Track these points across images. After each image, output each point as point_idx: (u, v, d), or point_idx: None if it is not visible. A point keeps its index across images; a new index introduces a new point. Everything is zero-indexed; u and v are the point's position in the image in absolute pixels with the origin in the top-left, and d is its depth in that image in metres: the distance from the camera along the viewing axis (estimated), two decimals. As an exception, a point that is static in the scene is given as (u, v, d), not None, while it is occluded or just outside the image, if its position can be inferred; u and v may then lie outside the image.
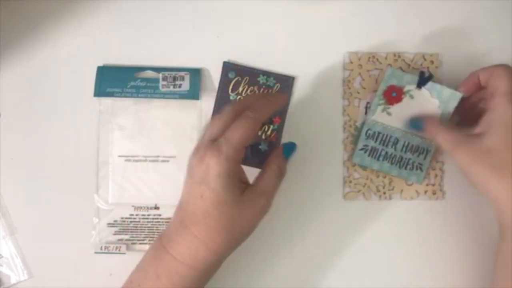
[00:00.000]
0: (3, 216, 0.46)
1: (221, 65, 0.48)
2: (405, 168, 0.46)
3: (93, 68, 0.47)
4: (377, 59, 0.48)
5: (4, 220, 0.46)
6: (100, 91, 0.47)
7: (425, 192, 0.47)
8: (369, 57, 0.48)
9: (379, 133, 0.46)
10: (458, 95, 0.44)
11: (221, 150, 0.36)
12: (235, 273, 0.46)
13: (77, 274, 0.46)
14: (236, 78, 0.48)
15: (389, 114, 0.45)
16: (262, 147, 0.47)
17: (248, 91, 0.48)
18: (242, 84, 0.48)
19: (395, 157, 0.46)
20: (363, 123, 0.47)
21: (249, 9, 0.49)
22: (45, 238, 0.46)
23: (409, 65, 0.48)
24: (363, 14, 0.49)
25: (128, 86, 0.47)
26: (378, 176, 0.47)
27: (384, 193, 0.47)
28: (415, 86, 0.45)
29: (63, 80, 0.48)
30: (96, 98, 0.47)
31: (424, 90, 0.45)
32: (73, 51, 0.48)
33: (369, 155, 0.46)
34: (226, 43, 0.48)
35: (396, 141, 0.46)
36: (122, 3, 0.48)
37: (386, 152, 0.46)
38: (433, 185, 0.47)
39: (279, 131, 0.47)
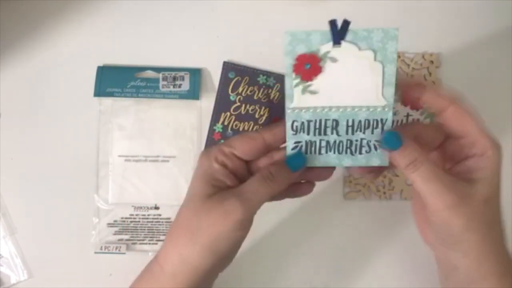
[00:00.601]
0: (3, 216, 0.46)
1: (221, 65, 0.48)
2: (360, 153, 0.35)
3: (93, 68, 0.47)
4: (377, 59, 0.48)
5: (4, 220, 0.46)
6: (100, 91, 0.47)
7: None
8: (369, 57, 0.48)
9: (309, 121, 0.34)
10: (394, 32, 0.34)
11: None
12: (235, 273, 0.46)
13: (77, 274, 0.46)
14: (236, 78, 0.48)
15: (313, 93, 0.34)
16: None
17: (248, 91, 0.48)
18: (242, 84, 0.48)
19: (342, 143, 0.35)
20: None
21: (249, 9, 0.49)
22: (45, 238, 0.46)
23: (409, 65, 0.48)
24: (363, 14, 0.49)
25: (128, 86, 0.47)
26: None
27: (384, 193, 0.47)
28: (331, 44, 0.33)
29: (63, 80, 0.48)
30: (96, 98, 0.47)
31: (346, 44, 0.34)
32: (73, 51, 0.48)
33: (307, 152, 0.35)
34: (226, 43, 0.48)
35: (336, 123, 0.35)
36: (122, 3, 0.48)
37: (328, 142, 0.35)
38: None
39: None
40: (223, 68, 0.48)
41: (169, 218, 0.47)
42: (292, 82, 0.34)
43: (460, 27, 0.49)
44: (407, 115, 0.47)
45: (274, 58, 0.48)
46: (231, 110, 0.47)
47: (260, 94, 0.48)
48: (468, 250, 0.34)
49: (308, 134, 0.35)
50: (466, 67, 0.48)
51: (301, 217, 0.47)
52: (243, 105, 0.48)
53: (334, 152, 0.35)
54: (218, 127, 0.47)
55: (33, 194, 0.47)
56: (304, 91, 0.34)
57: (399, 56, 0.48)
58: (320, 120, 0.35)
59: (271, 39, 0.48)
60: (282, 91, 0.47)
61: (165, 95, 0.47)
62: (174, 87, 0.47)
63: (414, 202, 0.39)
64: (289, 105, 0.34)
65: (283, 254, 0.46)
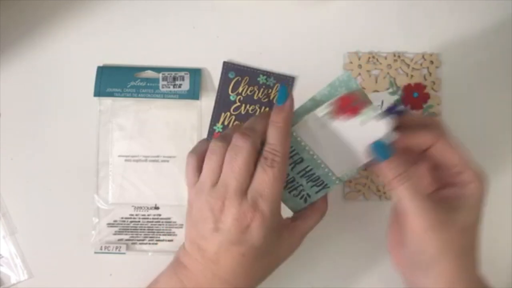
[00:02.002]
0: (3, 216, 0.46)
1: (221, 65, 0.48)
2: (289, 192, 0.38)
3: (93, 68, 0.47)
4: (377, 59, 0.48)
5: (4, 220, 0.46)
6: (100, 91, 0.47)
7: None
8: (369, 57, 0.48)
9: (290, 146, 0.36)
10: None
11: (261, 210, 0.33)
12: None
13: (77, 274, 0.46)
14: (236, 78, 0.48)
15: (323, 126, 0.35)
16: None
17: (248, 91, 0.48)
18: (242, 84, 0.48)
19: (287, 176, 0.37)
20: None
21: (249, 9, 0.49)
22: (45, 238, 0.46)
23: (409, 65, 0.48)
24: (363, 14, 0.49)
25: (128, 86, 0.47)
26: (378, 176, 0.47)
27: (384, 193, 0.47)
28: (377, 112, 0.34)
29: (63, 80, 0.48)
30: (96, 98, 0.47)
31: (381, 122, 0.34)
32: (73, 51, 0.48)
33: None
34: (226, 43, 0.48)
35: (300, 160, 0.36)
36: (122, 3, 0.48)
37: None
38: (433, 185, 0.47)
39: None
40: (223, 68, 0.48)
41: (169, 218, 0.47)
42: (326, 106, 0.34)
43: (460, 27, 0.49)
44: (407, 115, 0.47)
45: (274, 58, 0.48)
46: (231, 110, 0.47)
47: (260, 94, 0.48)
48: (439, 276, 0.34)
49: None
50: (466, 67, 0.48)
51: (301, 217, 0.47)
52: (243, 105, 0.48)
53: None
54: (218, 127, 0.47)
55: (33, 194, 0.47)
56: (325, 116, 0.34)
57: (399, 56, 0.48)
58: (294, 150, 0.36)
59: (271, 39, 0.48)
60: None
61: (165, 95, 0.47)
62: (174, 87, 0.47)
63: (391, 221, 0.38)
64: (307, 118, 0.35)
65: (283, 254, 0.46)
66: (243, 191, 0.33)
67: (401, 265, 0.38)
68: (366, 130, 0.34)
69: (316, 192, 0.37)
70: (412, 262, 0.36)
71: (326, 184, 0.37)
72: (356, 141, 0.35)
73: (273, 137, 0.34)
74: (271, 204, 0.33)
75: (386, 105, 0.34)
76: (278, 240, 0.36)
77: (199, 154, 0.36)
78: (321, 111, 0.34)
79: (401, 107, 0.35)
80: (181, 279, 0.36)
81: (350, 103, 0.34)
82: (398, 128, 0.35)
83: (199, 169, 0.35)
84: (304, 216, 0.38)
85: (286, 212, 0.38)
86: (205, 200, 0.34)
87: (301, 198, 0.38)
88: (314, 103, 0.35)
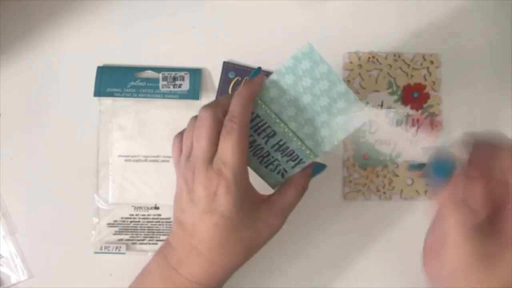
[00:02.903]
0: (3, 216, 0.46)
1: (221, 65, 0.48)
2: (266, 166, 0.38)
3: (93, 68, 0.47)
4: (377, 59, 0.48)
5: (4, 220, 0.46)
6: (100, 91, 0.47)
7: (425, 192, 0.47)
8: (369, 57, 0.48)
9: (257, 116, 0.37)
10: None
11: (224, 176, 0.34)
12: (235, 272, 0.46)
13: (77, 274, 0.46)
14: (236, 78, 0.48)
15: (289, 95, 0.36)
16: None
17: (248, 91, 0.48)
18: (242, 84, 0.48)
19: (262, 149, 0.37)
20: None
21: (249, 9, 0.49)
22: (45, 238, 0.46)
23: (409, 65, 0.48)
24: (363, 14, 0.49)
25: (128, 86, 0.47)
26: (378, 176, 0.47)
27: (384, 193, 0.47)
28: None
29: (63, 80, 0.48)
30: (96, 98, 0.47)
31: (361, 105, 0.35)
32: (73, 51, 0.48)
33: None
34: (226, 43, 0.48)
35: (273, 134, 0.37)
36: (122, 3, 0.48)
37: (254, 140, 0.37)
38: (433, 185, 0.47)
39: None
40: (223, 68, 0.48)
41: (169, 218, 0.47)
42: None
43: (460, 27, 0.49)
44: (407, 115, 0.47)
45: (274, 58, 0.48)
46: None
47: (260, 94, 0.48)
48: None
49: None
50: (466, 67, 0.48)
51: (301, 217, 0.47)
52: (243, 105, 0.47)
53: (251, 151, 0.38)
54: (218, 127, 0.47)
55: (33, 194, 0.47)
56: (283, 87, 0.36)
57: (399, 56, 0.48)
58: (265, 123, 0.37)
59: (271, 39, 0.48)
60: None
61: (165, 95, 0.47)
62: (174, 87, 0.47)
63: (433, 228, 0.35)
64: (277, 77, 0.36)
65: (283, 254, 0.46)
66: (209, 160, 0.35)
67: (433, 275, 0.35)
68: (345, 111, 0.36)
69: (292, 167, 0.38)
70: (446, 280, 0.33)
71: (301, 159, 0.37)
72: (332, 117, 0.36)
73: (234, 104, 0.35)
74: (233, 170, 0.34)
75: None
76: (255, 213, 0.36)
77: (181, 134, 0.38)
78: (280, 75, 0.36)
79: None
80: (165, 255, 0.38)
81: None
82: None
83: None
84: (281, 192, 0.38)
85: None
86: (181, 174, 0.36)
87: (278, 173, 0.38)
88: (280, 76, 0.36)
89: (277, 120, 0.36)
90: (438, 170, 0.32)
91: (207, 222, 0.35)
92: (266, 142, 0.37)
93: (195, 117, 0.37)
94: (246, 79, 0.48)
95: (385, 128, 0.47)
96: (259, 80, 0.36)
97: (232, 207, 0.34)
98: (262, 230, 0.37)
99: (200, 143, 0.35)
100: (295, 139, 0.37)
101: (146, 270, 0.39)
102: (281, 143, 0.37)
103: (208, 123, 0.35)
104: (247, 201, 0.35)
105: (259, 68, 0.39)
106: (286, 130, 0.36)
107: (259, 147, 0.37)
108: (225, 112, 0.36)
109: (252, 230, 0.36)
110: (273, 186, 0.39)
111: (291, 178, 0.39)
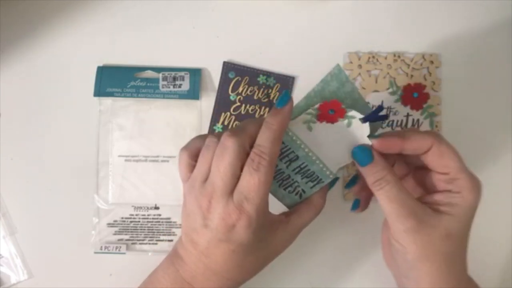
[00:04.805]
0: (3, 216, 0.46)
1: (221, 65, 0.48)
2: (285, 189, 0.38)
3: (93, 68, 0.47)
4: (377, 59, 0.48)
5: (4, 220, 0.46)
6: (100, 91, 0.47)
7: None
8: (369, 57, 0.48)
9: (282, 143, 0.36)
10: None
11: (246, 211, 0.33)
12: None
13: (77, 274, 0.46)
14: (236, 78, 0.48)
15: (309, 129, 0.36)
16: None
17: (248, 91, 0.48)
18: (242, 84, 0.48)
19: (282, 173, 0.37)
20: None
21: (249, 9, 0.49)
22: (45, 238, 0.46)
23: (409, 65, 0.48)
24: (363, 14, 0.49)
25: (128, 86, 0.47)
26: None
27: (384, 193, 0.47)
28: (360, 116, 0.35)
29: (63, 80, 0.48)
30: (96, 98, 0.47)
31: (365, 125, 0.36)
32: (73, 51, 0.48)
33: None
34: (226, 43, 0.48)
35: (295, 158, 0.36)
36: (122, 3, 0.48)
37: (276, 165, 0.36)
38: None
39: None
40: (223, 68, 0.48)
41: (169, 218, 0.47)
42: (309, 111, 0.36)
43: (460, 27, 0.49)
44: (407, 115, 0.47)
45: (274, 58, 0.48)
46: (231, 110, 0.47)
47: (260, 94, 0.48)
48: (420, 279, 0.34)
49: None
50: (466, 67, 0.48)
51: (301, 217, 0.47)
52: (243, 105, 0.48)
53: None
54: (218, 127, 0.47)
55: (33, 194, 0.47)
56: (306, 122, 0.36)
57: (399, 56, 0.48)
58: (289, 148, 0.36)
59: (271, 39, 0.48)
60: (282, 91, 0.47)
61: (165, 95, 0.47)
62: (174, 87, 0.47)
63: (384, 222, 0.39)
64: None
65: (283, 254, 0.46)
66: (229, 192, 0.33)
67: (390, 266, 0.39)
68: (352, 131, 0.36)
69: (311, 187, 0.37)
70: (397, 263, 0.36)
71: (320, 179, 0.37)
72: (345, 140, 0.36)
73: (263, 138, 0.34)
74: (256, 206, 0.33)
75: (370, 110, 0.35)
76: (271, 236, 0.36)
77: (191, 150, 0.36)
78: (309, 113, 0.36)
79: (383, 111, 0.35)
80: (177, 269, 0.37)
81: (327, 111, 0.36)
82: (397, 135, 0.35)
83: (191, 164, 0.36)
84: (299, 211, 0.38)
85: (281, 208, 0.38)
86: (194, 197, 0.34)
87: (296, 194, 0.38)
88: (309, 101, 0.36)
89: (302, 145, 0.36)
90: (361, 157, 0.35)
91: (225, 248, 0.34)
92: (287, 166, 0.37)
93: (214, 138, 0.35)
94: (246, 79, 0.48)
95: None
96: (288, 110, 0.35)
97: (251, 237, 0.34)
98: (278, 248, 0.37)
99: (221, 172, 0.33)
100: (317, 161, 0.36)
101: (155, 279, 0.38)
102: (302, 166, 0.37)
103: (233, 153, 0.33)
104: (265, 228, 0.35)
105: (287, 93, 0.35)
106: (310, 154, 0.36)
107: (280, 171, 0.37)
108: (252, 142, 0.34)
109: (268, 250, 0.37)
110: (289, 207, 0.38)
111: (310, 198, 0.38)
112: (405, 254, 0.34)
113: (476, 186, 0.34)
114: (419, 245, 0.33)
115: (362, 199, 0.39)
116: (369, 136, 0.35)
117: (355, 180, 0.39)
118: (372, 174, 0.34)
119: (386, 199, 0.34)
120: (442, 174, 0.35)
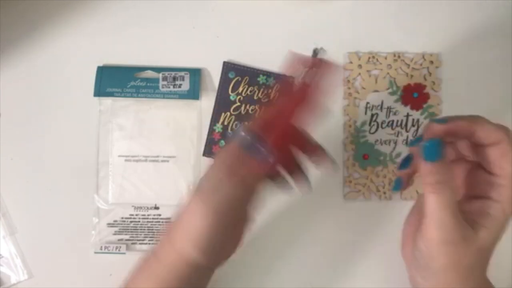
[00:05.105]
0: (3, 216, 0.46)
1: (221, 65, 0.48)
2: None
3: (93, 68, 0.47)
4: (377, 59, 0.48)
5: (4, 220, 0.46)
6: (100, 91, 0.47)
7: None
8: (369, 57, 0.48)
9: None
10: None
11: None
12: (235, 272, 0.46)
13: (77, 274, 0.46)
14: (236, 78, 0.48)
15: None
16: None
17: (248, 91, 0.48)
18: (242, 84, 0.48)
19: None
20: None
21: (249, 9, 0.49)
22: (45, 238, 0.46)
23: (409, 65, 0.48)
24: (363, 14, 0.49)
25: (128, 86, 0.47)
26: (378, 176, 0.47)
27: (384, 193, 0.47)
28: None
29: (63, 80, 0.48)
30: (96, 98, 0.47)
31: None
32: (73, 51, 0.48)
33: None
34: (226, 43, 0.48)
35: None
36: (122, 3, 0.48)
37: None
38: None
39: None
40: (223, 68, 0.48)
41: (169, 218, 0.47)
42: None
43: (460, 27, 0.49)
44: (407, 115, 0.47)
45: (274, 58, 0.48)
46: (231, 110, 0.47)
47: (260, 94, 0.48)
48: (439, 285, 0.34)
49: None
50: (466, 67, 0.48)
51: (301, 217, 0.47)
52: (243, 105, 0.48)
53: None
54: (218, 127, 0.47)
55: (33, 194, 0.47)
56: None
57: (399, 56, 0.48)
58: None
59: (271, 39, 0.48)
60: (281, 91, 0.47)
61: (165, 95, 0.47)
62: (174, 87, 0.47)
63: (411, 214, 0.39)
64: None
65: (283, 254, 0.46)
66: None
67: (407, 258, 0.38)
68: None
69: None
70: (419, 262, 0.36)
71: None
72: None
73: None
74: None
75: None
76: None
77: None
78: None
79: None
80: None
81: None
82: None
83: None
84: None
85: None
86: None
87: None
88: None
89: None
90: (430, 152, 0.33)
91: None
92: None
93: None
94: (246, 79, 0.47)
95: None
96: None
97: None
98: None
99: None
100: None
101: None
102: None
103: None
104: None
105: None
106: None
107: None
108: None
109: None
110: None
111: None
112: (431, 260, 0.34)
113: None
114: (449, 258, 0.33)
115: (405, 179, 0.38)
116: (435, 120, 0.34)
117: (408, 162, 0.37)
118: (434, 174, 0.33)
119: (439, 205, 0.33)
120: (492, 175, 0.34)
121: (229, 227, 0.34)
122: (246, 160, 0.33)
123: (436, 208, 0.33)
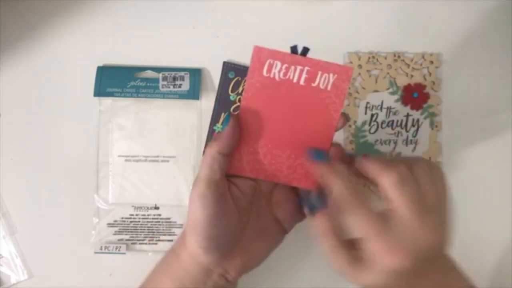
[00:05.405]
0: (3, 216, 0.46)
1: (221, 65, 0.48)
2: None
3: (93, 68, 0.47)
4: (377, 59, 0.48)
5: (4, 220, 0.46)
6: (100, 91, 0.47)
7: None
8: (369, 57, 0.48)
9: None
10: None
11: None
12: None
13: (77, 274, 0.46)
14: (236, 78, 0.48)
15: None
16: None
17: (248, 91, 0.47)
18: (242, 84, 0.48)
19: None
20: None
21: (249, 9, 0.49)
22: (45, 238, 0.46)
23: (409, 65, 0.48)
24: (363, 14, 0.49)
25: (128, 86, 0.47)
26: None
27: (384, 193, 0.47)
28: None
29: (63, 80, 0.48)
30: (96, 98, 0.47)
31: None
32: (73, 51, 0.48)
33: None
34: (226, 43, 0.48)
35: None
36: (122, 4, 0.48)
37: None
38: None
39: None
40: (223, 68, 0.48)
41: (169, 218, 0.47)
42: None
43: (460, 27, 0.49)
44: (407, 115, 0.47)
45: (274, 58, 0.48)
46: (231, 110, 0.47)
47: (260, 94, 0.48)
48: None
49: None
50: (466, 67, 0.48)
51: (301, 217, 0.47)
52: (243, 105, 0.47)
53: None
54: (218, 127, 0.47)
55: (33, 194, 0.47)
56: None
57: (399, 56, 0.48)
58: None
59: (271, 39, 0.48)
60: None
61: (165, 95, 0.47)
62: (174, 87, 0.47)
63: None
64: None
65: (283, 254, 0.46)
66: None
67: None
68: None
69: None
70: None
71: None
72: None
73: None
74: None
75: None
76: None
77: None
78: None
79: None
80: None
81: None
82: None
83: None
84: None
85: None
86: None
87: None
88: None
89: None
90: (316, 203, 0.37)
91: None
92: None
93: None
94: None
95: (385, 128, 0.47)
96: None
97: None
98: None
99: None
100: None
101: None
102: None
103: None
104: None
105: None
106: None
107: None
108: None
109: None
110: None
111: None
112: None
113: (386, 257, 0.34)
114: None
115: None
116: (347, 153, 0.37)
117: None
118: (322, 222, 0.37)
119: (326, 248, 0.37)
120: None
121: (223, 219, 0.36)
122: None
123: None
